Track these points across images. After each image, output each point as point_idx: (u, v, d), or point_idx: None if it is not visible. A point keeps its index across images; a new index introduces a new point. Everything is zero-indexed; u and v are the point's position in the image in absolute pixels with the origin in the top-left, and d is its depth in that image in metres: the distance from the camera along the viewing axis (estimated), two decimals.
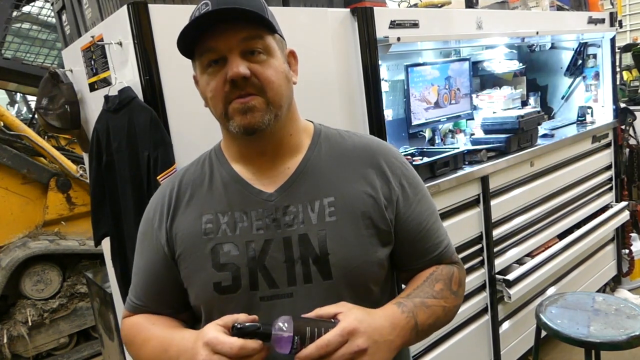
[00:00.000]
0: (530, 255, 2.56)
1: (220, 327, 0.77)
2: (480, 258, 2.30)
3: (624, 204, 3.23)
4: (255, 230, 0.89)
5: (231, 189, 0.92)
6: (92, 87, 1.74)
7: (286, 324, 0.75)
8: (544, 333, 1.90)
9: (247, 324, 0.76)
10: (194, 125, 1.43)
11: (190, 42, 0.85)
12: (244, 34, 0.83)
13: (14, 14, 3.44)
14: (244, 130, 0.85)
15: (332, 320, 0.78)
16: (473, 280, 2.24)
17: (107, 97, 1.50)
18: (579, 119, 3.20)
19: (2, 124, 3.30)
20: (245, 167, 0.94)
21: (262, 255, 0.88)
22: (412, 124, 2.40)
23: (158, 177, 1.34)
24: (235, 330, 0.75)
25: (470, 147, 2.46)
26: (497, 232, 2.35)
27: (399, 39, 1.91)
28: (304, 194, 0.90)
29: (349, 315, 0.78)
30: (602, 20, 3.11)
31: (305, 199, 0.90)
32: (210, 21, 0.82)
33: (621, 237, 3.31)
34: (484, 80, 3.04)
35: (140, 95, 1.40)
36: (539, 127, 2.69)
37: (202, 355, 0.75)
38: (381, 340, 0.78)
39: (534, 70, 3.35)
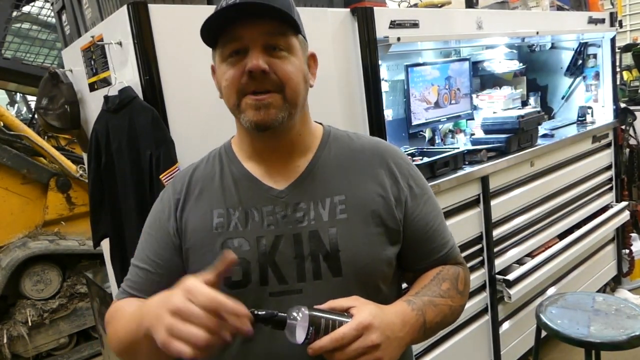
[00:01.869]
0: (531, 255, 2.56)
1: (201, 279, 0.72)
2: (481, 258, 2.30)
3: (624, 204, 3.23)
4: (266, 226, 0.89)
5: (242, 186, 0.93)
6: (92, 87, 1.74)
7: (301, 314, 0.76)
8: (544, 333, 1.90)
9: (262, 311, 0.76)
10: (194, 125, 1.43)
11: (216, 30, 0.85)
12: (268, 28, 0.84)
13: (14, 14, 3.44)
14: (255, 125, 0.86)
15: (346, 314, 0.79)
16: (473, 280, 2.24)
17: (106, 97, 1.50)
18: (579, 119, 3.20)
19: (2, 124, 3.30)
20: (256, 165, 0.95)
21: (273, 250, 0.88)
22: (412, 124, 2.40)
23: (161, 176, 1.34)
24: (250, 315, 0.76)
25: (470, 147, 2.46)
26: (497, 232, 2.35)
27: (399, 39, 1.91)
28: (314, 192, 0.91)
29: (364, 310, 0.78)
30: (602, 20, 3.11)
31: (316, 196, 0.91)
32: (238, 12, 0.82)
33: (621, 237, 3.31)
34: (484, 80, 3.04)
35: (140, 95, 1.40)
36: (539, 127, 2.69)
37: (177, 299, 0.69)
38: (393, 336, 0.79)
39: (534, 70, 3.35)
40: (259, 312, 0.76)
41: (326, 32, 1.75)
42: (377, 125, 1.87)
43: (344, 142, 0.99)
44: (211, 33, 0.86)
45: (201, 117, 1.43)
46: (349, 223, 0.89)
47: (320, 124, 1.02)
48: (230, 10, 0.82)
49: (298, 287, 0.88)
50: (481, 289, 2.31)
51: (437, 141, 2.63)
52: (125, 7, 1.35)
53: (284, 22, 0.85)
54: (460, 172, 2.15)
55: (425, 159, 2.12)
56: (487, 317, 2.33)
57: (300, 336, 0.75)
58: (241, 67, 0.84)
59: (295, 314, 0.76)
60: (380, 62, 1.88)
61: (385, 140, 1.66)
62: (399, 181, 0.95)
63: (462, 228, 2.18)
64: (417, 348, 2.00)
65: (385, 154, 0.98)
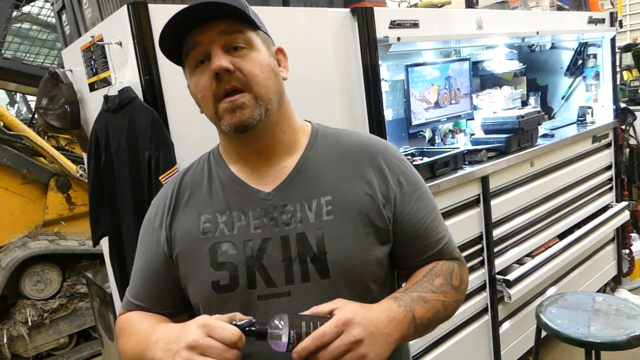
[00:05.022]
0: (531, 255, 2.56)
1: (217, 317, 0.78)
2: (481, 258, 2.30)
3: (624, 204, 3.23)
4: (253, 229, 0.89)
5: (229, 189, 0.92)
6: (92, 87, 1.74)
7: (282, 322, 0.75)
8: (544, 333, 1.90)
9: (244, 321, 0.76)
10: (193, 126, 1.43)
11: (175, 44, 0.86)
12: (223, 27, 0.84)
13: (14, 13, 3.44)
14: (235, 128, 0.86)
15: (328, 316, 0.78)
16: (473, 280, 2.24)
17: (106, 97, 1.50)
18: (579, 119, 3.20)
19: (2, 124, 3.30)
20: (242, 168, 0.94)
21: (260, 254, 0.88)
22: (412, 124, 2.40)
23: (160, 178, 1.34)
24: None
25: (470, 147, 2.46)
26: (497, 232, 2.35)
27: (399, 38, 1.91)
28: (301, 193, 0.90)
29: (344, 308, 0.78)
30: (602, 20, 3.11)
31: (303, 197, 0.90)
32: (192, 19, 0.83)
33: (621, 237, 3.31)
34: (484, 80, 3.04)
35: (140, 95, 1.40)
36: (539, 127, 2.69)
37: (194, 335, 0.74)
38: (377, 332, 0.78)
39: (534, 70, 3.35)
40: (238, 323, 0.76)
41: (326, 32, 1.75)
42: (377, 125, 1.87)
43: (332, 140, 0.97)
44: (172, 48, 0.87)
45: (201, 118, 1.42)
46: (336, 224, 0.88)
47: (309, 122, 1.01)
48: (181, 19, 0.82)
49: (286, 289, 0.87)
50: (481, 289, 2.31)
51: (437, 141, 2.63)
52: (125, 7, 1.35)
53: (238, 19, 0.85)
54: (460, 172, 2.15)
55: (425, 159, 2.12)
56: (487, 317, 2.33)
57: (282, 344, 0.74)
58: (208, 73, 0.84)
59: (276, 322, 0.76)
60: (380, 62, 1.88)
61: (385, 139, 1.66)
62: (388, 179, 0.93)
63: (462, 228, 2.18)
64: (416, 348, 2.00)
65: (374, 151, 0.96)
